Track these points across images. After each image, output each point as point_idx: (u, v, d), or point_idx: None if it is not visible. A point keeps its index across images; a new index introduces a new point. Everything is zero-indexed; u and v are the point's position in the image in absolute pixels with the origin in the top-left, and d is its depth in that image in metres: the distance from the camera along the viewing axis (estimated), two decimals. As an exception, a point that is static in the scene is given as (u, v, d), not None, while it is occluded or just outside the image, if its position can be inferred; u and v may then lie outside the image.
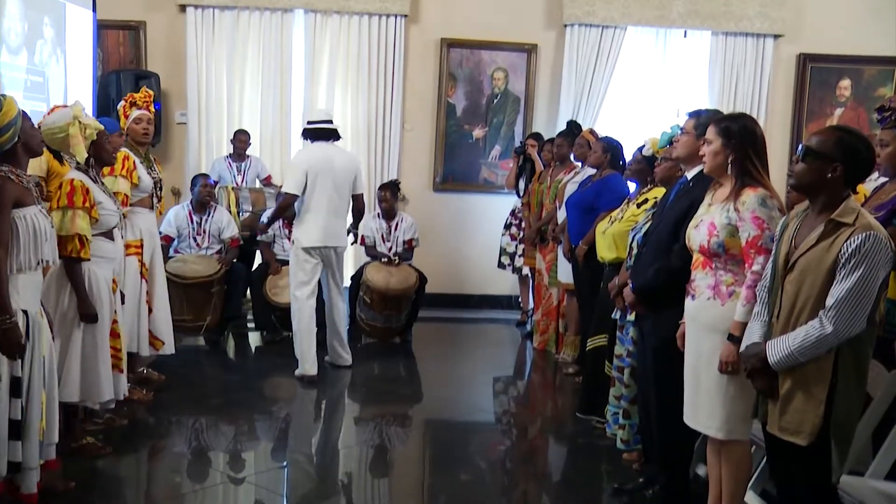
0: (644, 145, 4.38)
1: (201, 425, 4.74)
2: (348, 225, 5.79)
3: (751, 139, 3.03)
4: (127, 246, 4.64)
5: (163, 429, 4.58)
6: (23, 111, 3.25)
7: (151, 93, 5.04)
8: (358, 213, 5.81)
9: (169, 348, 4.99)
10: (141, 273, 4.77)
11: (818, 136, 2.63)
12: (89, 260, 3.85)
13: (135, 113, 4.85)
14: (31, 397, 3.16)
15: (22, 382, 3.12)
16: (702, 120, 3.44)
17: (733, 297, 2.98)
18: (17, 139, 3.16)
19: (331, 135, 5.61)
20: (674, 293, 3.32)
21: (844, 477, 2.77)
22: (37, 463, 3.22)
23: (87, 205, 3.80)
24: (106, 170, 4.35)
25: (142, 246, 4.78)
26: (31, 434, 3.17)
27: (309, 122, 5.68)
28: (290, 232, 6.64)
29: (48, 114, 3.86)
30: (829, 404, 2.50)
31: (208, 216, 6.53)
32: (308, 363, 5.54)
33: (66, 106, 3.88)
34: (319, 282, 5.65)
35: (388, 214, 6.82)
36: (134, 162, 4.68)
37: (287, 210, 5.69)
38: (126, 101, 4.90)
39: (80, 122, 3.77)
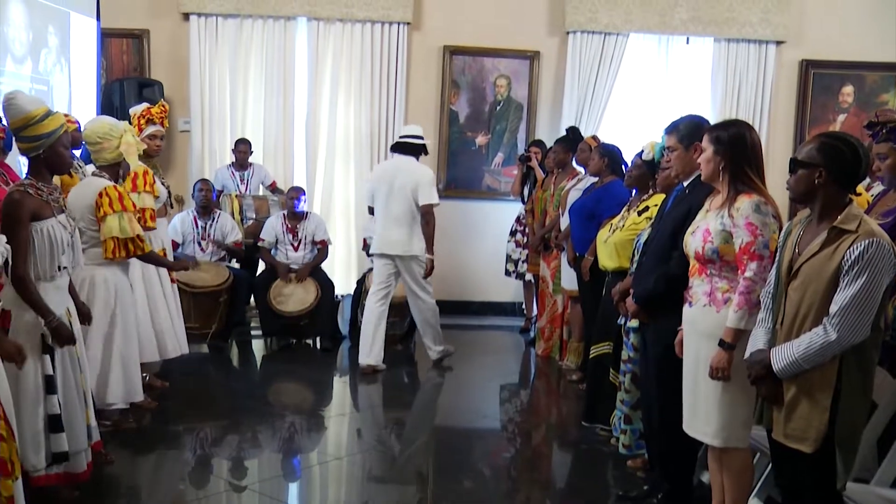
0: (643, 150, 4.36)
1: (205, 433, 4.74)
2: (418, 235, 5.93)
3: (741, 146, 3.02)
4: None
5: (167, 436, 4.58)
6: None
7: (167, 107, 5.18)
8: (425, 225, 5.89)
9: (184, 348, 5.20)
10: (171, 279, 5.04)
11: (804, 146, 2.68)
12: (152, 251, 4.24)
13: (150, 129, 5.02)
14: (66, 391, 3.40)
15: (55, 379, 3.32)
16: (682, 130, 3.44)
17: (728, 303, 2.98)
18: (40, 152, 3.31)
19: (406, 148, 5.91)
20: (675, 300, 3.31)
21: (850, 484, 2.76)
22: (85, 445, 3.52)
23: (132, 210, 4.12)
24: (129, 186, 4.57)
25: (165, 254, 5.00)
26: (74, 423, 3.43)
27: (400, 137, 6.09)
28: (293, 237, 6.68)
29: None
30: (833, 411, 2.50)
31: (213, 221, 6.58)
32: (363, 354, 5.85)
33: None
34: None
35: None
36: (153, 176, 4.82)
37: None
38: (143, 117, 5.00)
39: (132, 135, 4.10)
